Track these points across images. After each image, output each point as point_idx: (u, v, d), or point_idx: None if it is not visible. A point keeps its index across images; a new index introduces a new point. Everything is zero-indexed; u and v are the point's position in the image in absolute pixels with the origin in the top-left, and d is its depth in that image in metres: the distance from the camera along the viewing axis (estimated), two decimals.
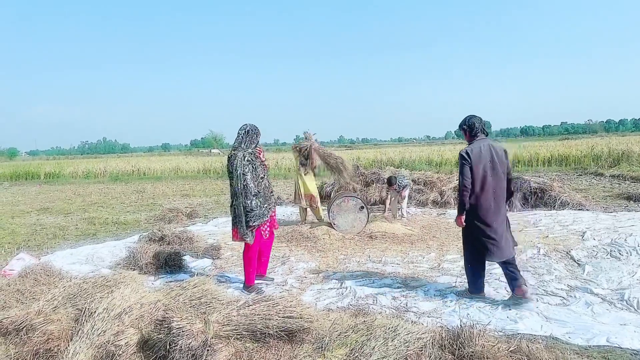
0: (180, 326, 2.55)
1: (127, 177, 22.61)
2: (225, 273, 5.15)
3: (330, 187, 10.70)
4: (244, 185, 4.16)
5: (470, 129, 4.02)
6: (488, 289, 4.19)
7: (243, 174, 4.16)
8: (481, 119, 4.05)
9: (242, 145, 4.32)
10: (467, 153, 3.86)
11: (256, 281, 4.55)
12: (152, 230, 6.95)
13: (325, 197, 10.63)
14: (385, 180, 8.63)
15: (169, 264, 5.24)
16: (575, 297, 3.95)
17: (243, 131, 4.37)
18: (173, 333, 2.53)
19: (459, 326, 2.78)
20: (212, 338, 2.61)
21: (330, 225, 6.83)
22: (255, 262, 4.43)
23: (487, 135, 4.04)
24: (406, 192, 8.22)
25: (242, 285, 4.50)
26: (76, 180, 22.76)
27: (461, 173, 3.86)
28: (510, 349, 2.69)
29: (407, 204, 8.42)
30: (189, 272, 5.23)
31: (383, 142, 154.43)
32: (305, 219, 7.62)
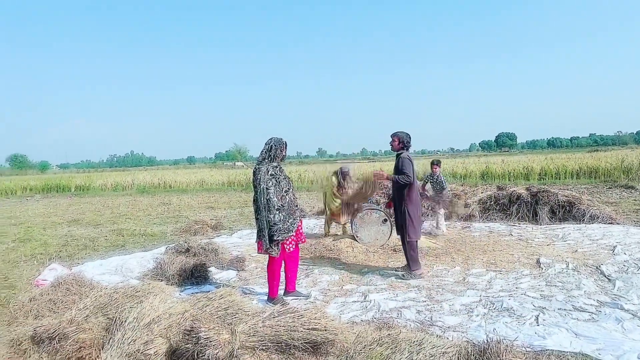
0: (208, 336, 2.60)
1: (153, 190, 23.10)
2: (250, 285, 5.20)
3: None
4: (267, 200, 4.20)
5: (408, 143, 5.30)
6: (513, 304, 4.14)
7: (266, 189, 4.21)
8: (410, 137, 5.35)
9: (267, 159, 4.39)
10: (410, 157, 5.21)
11: (290, 298, 4.57)
12: (178, 241, 7.09)
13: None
14: (431, 162, 8.16)
15: (194, 275, 5.32)
16: (605, 313, 3.86)
17: (267, 146, 4.43)
18: (201, 343, 2.58)
19: (486, 341, 2.75)
20: (239, 349, 2.65)
21: (353, 238, 6.85)
22: (279, 275, 4.47)
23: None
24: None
25: (266, 297, 4.54)
26: (105, 192, 23.40)
27: (408, 170, 5.10)
28: None
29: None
30: (215, 283, 5.31)
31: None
32: (329, 232, 7.68)
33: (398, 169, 5.22)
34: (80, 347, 2.99)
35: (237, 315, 3.24)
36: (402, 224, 5.26)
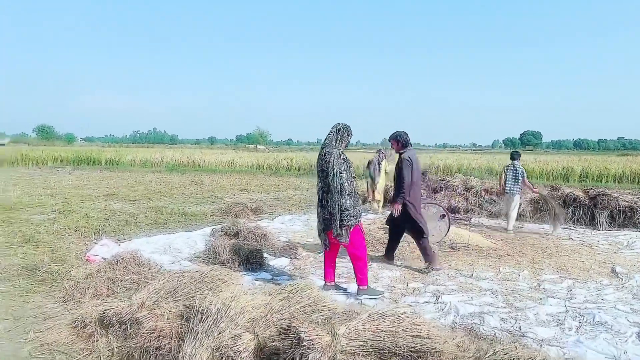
0: (310, 338, 2.33)
1: (182, 168, 23.07)
2: (309, 276, 4.94)
3: None
4: (340, 184, 4.00)
5: (405, 142, 5.16)
6: (606, 317, 3.78)
7: (340, 172, 4.01)
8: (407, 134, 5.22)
9: (334, 143, 4.15)
10: (409, 158, 5.03)
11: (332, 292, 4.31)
12: (221, 223, 6.88)
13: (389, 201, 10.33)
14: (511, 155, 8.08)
15: (250, 261, 5.09)
16: None
17: (335, 129, 4.21)
18: (304, 346, 2.31)
19: None
20: (340, 353, 2.38)
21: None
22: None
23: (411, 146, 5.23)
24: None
25: (324, 288, 4.27)
26: (134, 168, 23.47)
27: (406, 174, 4.97)
28: None
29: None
30: (270, 270, 5.09)
31: (428, 147, 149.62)
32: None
33: (399, 169, 5.13)
34: (159, 336, 2.76)
35: (323, 313, 2.97)
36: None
